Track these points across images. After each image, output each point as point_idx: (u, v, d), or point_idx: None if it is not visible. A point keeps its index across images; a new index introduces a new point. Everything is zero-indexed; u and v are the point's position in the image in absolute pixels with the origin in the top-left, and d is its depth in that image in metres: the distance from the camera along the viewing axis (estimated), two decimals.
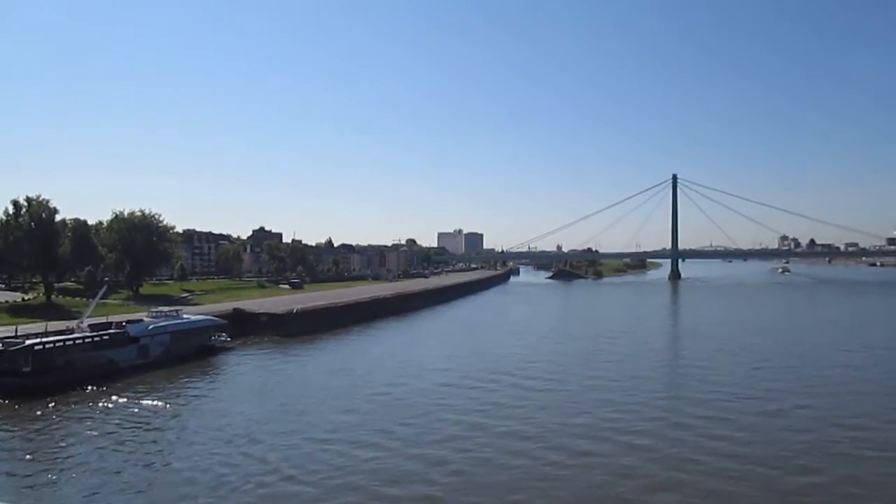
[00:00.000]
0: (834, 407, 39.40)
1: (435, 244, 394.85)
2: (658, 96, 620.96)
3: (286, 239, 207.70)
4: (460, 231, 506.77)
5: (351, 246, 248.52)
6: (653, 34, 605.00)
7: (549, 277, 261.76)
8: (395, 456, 30.51)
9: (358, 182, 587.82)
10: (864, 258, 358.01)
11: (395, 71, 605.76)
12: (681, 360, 61.19)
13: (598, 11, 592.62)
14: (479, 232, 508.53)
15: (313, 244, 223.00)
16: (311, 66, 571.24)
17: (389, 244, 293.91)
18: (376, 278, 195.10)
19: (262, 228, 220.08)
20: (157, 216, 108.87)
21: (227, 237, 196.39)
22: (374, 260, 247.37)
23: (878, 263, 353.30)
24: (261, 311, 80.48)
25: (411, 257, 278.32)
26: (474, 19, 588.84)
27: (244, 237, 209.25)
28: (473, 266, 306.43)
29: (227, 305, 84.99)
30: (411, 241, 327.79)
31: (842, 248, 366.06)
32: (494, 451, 31.13)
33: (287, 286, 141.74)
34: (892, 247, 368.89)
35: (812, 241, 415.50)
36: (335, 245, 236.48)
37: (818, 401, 40.85)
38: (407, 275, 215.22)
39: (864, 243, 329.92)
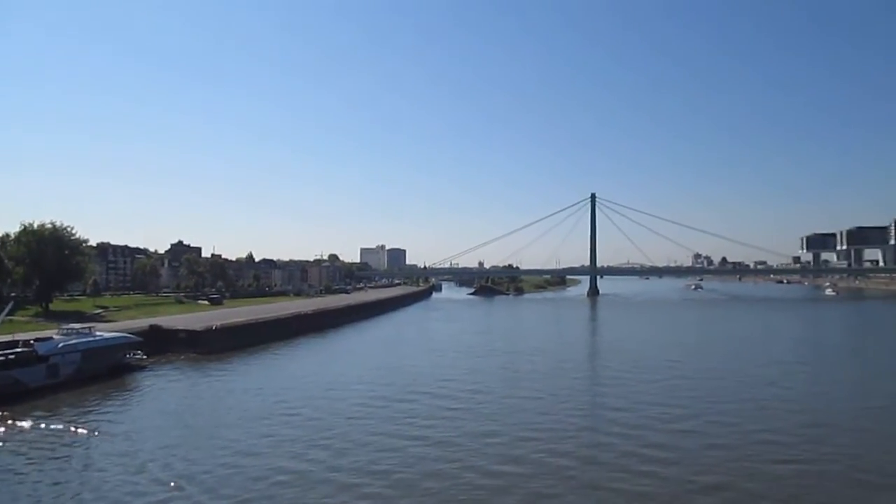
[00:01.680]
0: (746, 421, 41.43)
1: (357, 259, 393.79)
2: (578, 115, 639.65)
3: (206, 253, 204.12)
4: (383, 247, 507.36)
5: (272, 261, 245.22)
6: (573, 52, 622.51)
7: (471, 293, 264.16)
8: (310, 480, 30.49)
9: (280, 196, 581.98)
10: (772, 276, 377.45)
11: (318, 80, 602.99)
12: (598, 376, 62.99)
13: (520, 29, 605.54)
14: (401, 248, 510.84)
15: (234, 259, 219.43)
16: (230, 74, 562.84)
17: (311, 259, 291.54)
18: (298, 294, 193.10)
19: (180, 242, 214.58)
20: (69, 229, 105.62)
21: (144, 251, 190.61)
22: (296, 275, 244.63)
23: (786, 280, 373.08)
24: (179, 328, 78.86)
25: (334, 273, 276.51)
26: (403, 30, 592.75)
27: (162, 251, 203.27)
28: (396, 282, 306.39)
29: (144, 322, 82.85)
30: (334, 257, 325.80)
31: (752, 265, 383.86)
32: (411, 473, 31.54)
33: (206, 302, 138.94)
34: (798, 265, 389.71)
35: (724, 259, 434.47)
36: (256, 260, 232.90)
37: (731, 417, 42.71)
38: (329, 290, 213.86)
39: (773, 261, 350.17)
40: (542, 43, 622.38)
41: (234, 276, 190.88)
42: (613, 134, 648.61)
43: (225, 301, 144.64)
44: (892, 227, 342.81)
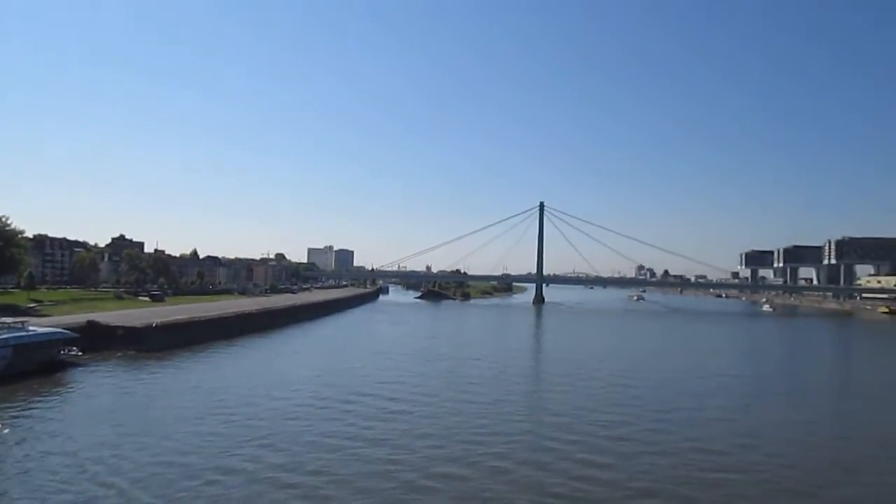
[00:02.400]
0: (682, 429, 42.50)
1: (305, 259, 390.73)
2: (529, 123, 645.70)
3: (148, 248, 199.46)
4: (331, 247, 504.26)
5: (217, 258, 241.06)
6: (528, 58, 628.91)
7: (418, 297, 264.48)
8: (243, 479, 30.06)
9: (227, 192, 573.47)
10: (711, 290, 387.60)
11: (266, 76, 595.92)
12: (541, 382, 63.92)
13: (475, 30, 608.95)
14: (349, 249, 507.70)
15: (178, 255, 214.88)
16: (173, 67, 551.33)
17: (258, 258, 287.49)
18: (243, 293, 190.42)
19: (122, 237, 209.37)
20: (3, 219, 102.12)
21: (84, 244, 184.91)
22: (242, 274, 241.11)
23: (724, 295, 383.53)
24: (117, 325, 76.64)
25: (280, 272, 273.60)
26: (354, 25, 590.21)
27: (102, 245, 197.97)
28: (343, 283, 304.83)
29: (80, 317, 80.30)
30: (280, 256, 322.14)
31: (692, 279, 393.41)
32: (348, 473, 31.43)
33: (147, 298, 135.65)
34: (737, 280, 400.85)
35: (666, 272, 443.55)
36: (201, 257, 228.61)
37: (668, 425, 43.66)
38: (275, 290, 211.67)
39: (713, 276, 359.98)
40: (496, 46, 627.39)
41: (177, 273, 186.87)
42: (563, 144, 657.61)
43: (167, 298, 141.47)
44: (827, 248, 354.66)
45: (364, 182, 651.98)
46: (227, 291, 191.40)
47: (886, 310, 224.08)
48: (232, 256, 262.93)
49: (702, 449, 37.41)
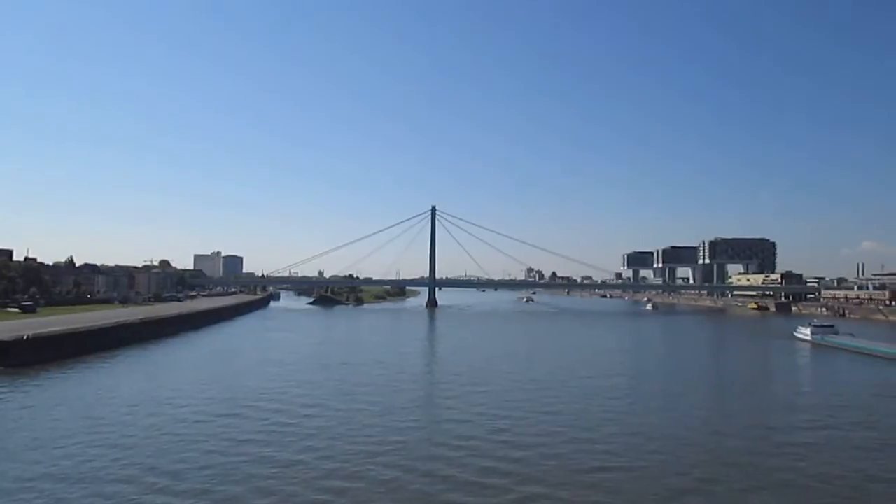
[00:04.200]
0: (571, 430, 43.82)
1: (191, 266, 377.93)
2: (420, 126, 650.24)
3: (17, 257, 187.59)
4: (218, 253, 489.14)
5: (96, 266, 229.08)
6: (411, 64, 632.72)
7: (310, 303, 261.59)
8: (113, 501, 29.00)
9: (104, 196, 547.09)
10: (597, 290, 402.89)
11: (144, 72, 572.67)
12: (434, 387, 64.37)
13: (365, 26, 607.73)
14: (238, 255, 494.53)
15: (51, 263, 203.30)
16: (37, 68, 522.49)
17: (140, 265, 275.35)
18: (124, 302, 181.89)
19: None
20: None
21: None
22: (123, 282, 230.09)
23: (609, 295, 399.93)
24: None
25: (164, 280, 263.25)
26: (226, 31, 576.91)
27: None
28: (232, 290, 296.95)
29: None
30: (165, 263, 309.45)
31: (579, 280, 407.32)
32: (233, 489, 30.81)
33: (17, 309, 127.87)
34: (620, 280, 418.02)
35: (554, 274, 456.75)
36: (77, 265, 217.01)
37: (555, 427, 44.75)
38: (159, 299, 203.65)
39: (598, 277, 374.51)
40: (381, 47, 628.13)
41: (50, 282, 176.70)
42: (454, 148, 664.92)
43: (39, 309, 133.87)
44: (701, 248, 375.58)
45: (252, 185, 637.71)
46: (107, 301, 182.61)
47: (755, 306, 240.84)
48: (112, 264, 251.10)
49: (589, 450, 38.66)
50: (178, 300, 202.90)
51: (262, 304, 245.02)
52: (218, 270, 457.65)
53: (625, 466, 35.54)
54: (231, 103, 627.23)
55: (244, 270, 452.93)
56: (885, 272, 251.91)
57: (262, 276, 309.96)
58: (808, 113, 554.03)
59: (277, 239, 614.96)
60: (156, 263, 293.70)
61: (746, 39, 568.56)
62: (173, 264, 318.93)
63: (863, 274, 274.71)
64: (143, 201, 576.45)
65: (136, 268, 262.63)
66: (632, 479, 33.21)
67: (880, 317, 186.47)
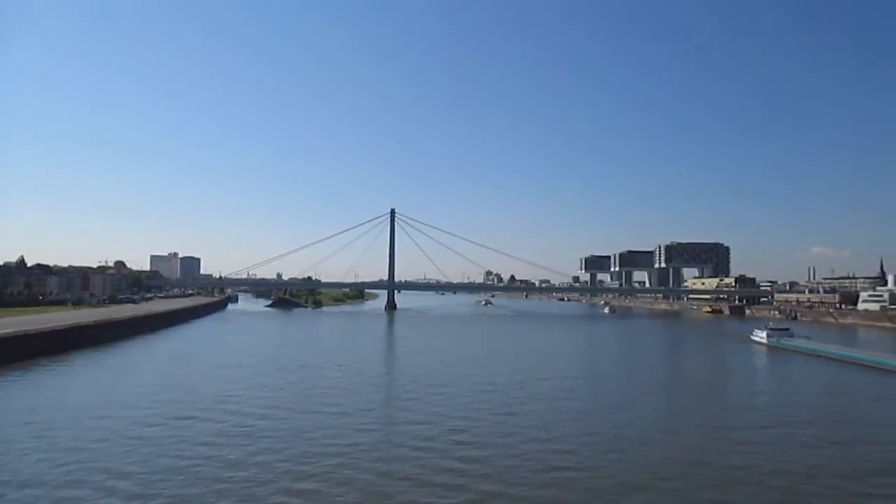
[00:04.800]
0: (531, 430, 44.60)
1: (147, 267, 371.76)
2: (381, 128, 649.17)
3: None
4: (176, 254, 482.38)
5: (48, 267, 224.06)
6: (371, 71, 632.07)
7: (269, 305, 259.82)
8: None
9: (56, 193, 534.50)
10: (554, 294, 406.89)
11: (100, 61, 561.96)
12: (393, 390, 64.51)
13: (325, 24, 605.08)
14: (196, 256, 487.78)
15: (1, 263, 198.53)
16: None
17: (95, 266, 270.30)
18: (78, 303, 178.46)
19: None
20: None
21: None
22: (77, 283, 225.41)
23: (566, 298, 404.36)
24: None
25: (120, 281, 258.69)
26: (187, 31, 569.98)
27: None
28: (189, 292, 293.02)
29: None
30: (120, 264, 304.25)
31: (537, 283, 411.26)
32: (190, 493, 30.80)
33: None
34: (577, 284, 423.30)
35: (512, 277, 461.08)
36: (28, 265, 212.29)
37: (512, 427, 45.55)
38: (114, 300, 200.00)
39: (556, 280, 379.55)
40: (343, 48, 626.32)
41: (0, 283, 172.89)
42: (413, 151, 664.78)
43: None
44: (657, 253, 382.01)
45: (210, 185, 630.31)
46: (61, 302, 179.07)
47: (709, 309, 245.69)
48: (65, 264, 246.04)
49: (546, 450, 39.42)
50: (134, 302, 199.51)
51: (220, 306, 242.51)
52: (175, 272, 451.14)
53: (581, 465, 36.38)
54: (190, 102, 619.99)
55: (202, 272, 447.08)
56: (835, 276, 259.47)
57: (220, 277, 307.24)
58: (760, 127, 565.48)
59: (235, 240, 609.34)
60: (111, 264, 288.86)
61: (689, 51, 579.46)
62: (129, 265, 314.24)
63: (814, 278, 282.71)
64: (98, 200, 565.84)
65: (90, 268, 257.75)
66: (587, 478, 34.02)
67: (831, 319, 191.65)
